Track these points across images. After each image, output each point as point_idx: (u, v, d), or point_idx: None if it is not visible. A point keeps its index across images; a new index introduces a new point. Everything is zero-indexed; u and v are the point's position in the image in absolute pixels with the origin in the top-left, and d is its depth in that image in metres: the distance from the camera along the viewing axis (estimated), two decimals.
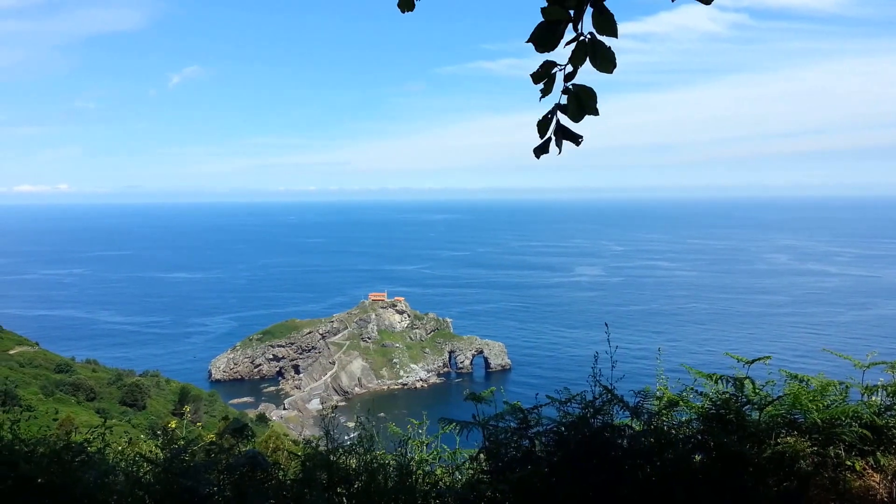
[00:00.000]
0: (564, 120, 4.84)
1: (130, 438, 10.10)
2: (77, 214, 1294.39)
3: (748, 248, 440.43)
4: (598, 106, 4.72)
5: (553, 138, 4.91)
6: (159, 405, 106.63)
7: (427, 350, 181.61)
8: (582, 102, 4.68)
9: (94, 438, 8.45)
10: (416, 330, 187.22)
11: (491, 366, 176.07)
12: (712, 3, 4.42)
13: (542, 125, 4.89)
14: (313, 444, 8.45)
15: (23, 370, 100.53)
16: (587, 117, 4.76)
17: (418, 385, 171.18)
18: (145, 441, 15.39)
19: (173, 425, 10.97)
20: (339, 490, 7.56)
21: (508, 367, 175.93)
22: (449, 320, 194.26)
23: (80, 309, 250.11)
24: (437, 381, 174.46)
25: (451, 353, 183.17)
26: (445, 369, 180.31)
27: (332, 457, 7.83)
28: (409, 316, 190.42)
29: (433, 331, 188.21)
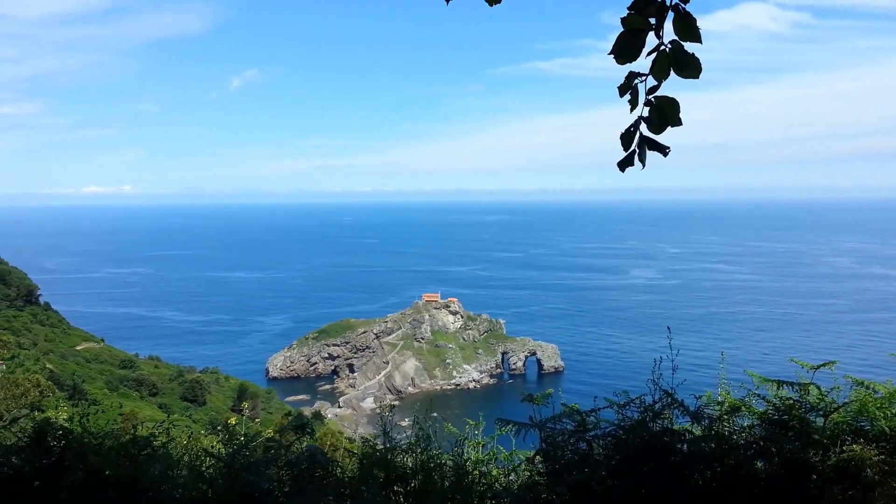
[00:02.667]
0: (647, 132, 4.70)
1: (192, 434, 10.36)
2: (140, 215, 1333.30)
3: (810, 251, 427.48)
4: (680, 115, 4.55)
5: (637, 151, 4.75)
6: (219, 401, 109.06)
7: (480, 351, 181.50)
8: (664, 114, 4.54)
9: (159, 433, 8.72)
10: (469, 331, 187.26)
11: (544, 368, 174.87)
12: None
13: (626, 138, 4.74)
14: (371, 443, 8.54)
15: (89, 365, 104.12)
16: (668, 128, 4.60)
17: (471, 385, 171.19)
18: (206, 436, 15.81)
19: (233, 421, 11.26)
20: (395, 488, 7.62)
21: (562, 369, 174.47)
22: (502, 321, 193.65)
23: (144, 307, 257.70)
24: (490, 382, 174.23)
25: (503, 354, 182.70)
26: (498, 370, 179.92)
27: (389, 455, 7.90)
28: (462, 317, 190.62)
29: (486, 332, 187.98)
